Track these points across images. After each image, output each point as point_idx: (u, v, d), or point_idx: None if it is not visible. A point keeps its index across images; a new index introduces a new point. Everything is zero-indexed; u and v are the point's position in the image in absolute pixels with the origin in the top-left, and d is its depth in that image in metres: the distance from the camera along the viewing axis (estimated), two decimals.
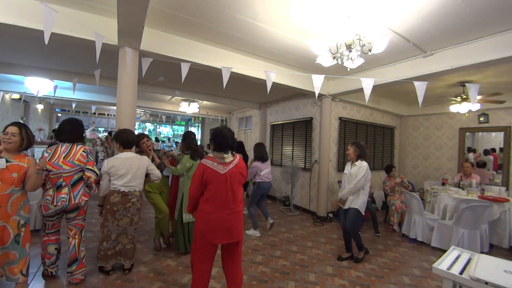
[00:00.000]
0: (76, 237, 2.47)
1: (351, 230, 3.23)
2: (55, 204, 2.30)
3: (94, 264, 2.74)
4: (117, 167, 2.54)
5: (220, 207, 1.97)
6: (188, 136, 3.36)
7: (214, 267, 2.94)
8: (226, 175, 1.98)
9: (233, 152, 2.12)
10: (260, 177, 4.16)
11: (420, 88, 2.98)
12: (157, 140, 12.39)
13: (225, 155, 2.04)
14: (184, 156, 3.21)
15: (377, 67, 4.20)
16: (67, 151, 2.39)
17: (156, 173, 2.82)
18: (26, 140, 2.17)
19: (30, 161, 2.17)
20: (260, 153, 4.25)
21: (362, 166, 3.18)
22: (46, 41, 2.14)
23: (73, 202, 2.36)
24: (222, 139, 2.03)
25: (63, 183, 2.34)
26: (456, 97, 4.78)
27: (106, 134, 9.79)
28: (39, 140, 7.28)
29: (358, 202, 3.17)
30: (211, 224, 1.96)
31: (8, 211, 2.02)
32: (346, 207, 3.27)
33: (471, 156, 6.03)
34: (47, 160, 2.29)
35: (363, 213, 3.23)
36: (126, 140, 2.69)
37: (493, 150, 5.80)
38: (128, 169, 2.58)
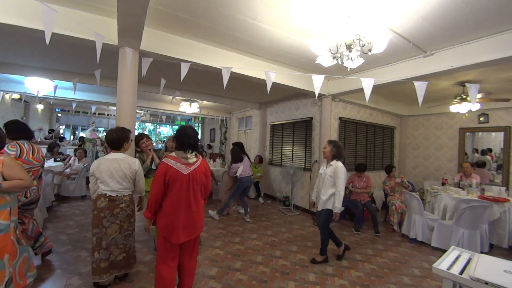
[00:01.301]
0: (32, 218, 2.76)
1: (322, 228, 3.18)
2: (28, 195, 2.52)
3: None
4: (101, 169, 2.34)
5: (180, 207, 1.97)
6: None
7: (213, 266, 2.97)
8: (188, 175, 1.98)
9: (196, 154, 2.12)
10: (240, 174, 4.88)
11: (420, 88, 2.98)
12: None
13: (188, 155, 2.05)
14: None
15: (377, 67, 4.20)
16: (31, 148, 2.58)
17: (140, 185, 2.52)
18: None
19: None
20: (233, 156, 5.01)
21: (338, 167, 3.07)
22: (48, 41, 2.15)
23: (40, 192, 2.71)
24: (184, 138, 2.03)
25: (32, 177, 2.52)
26: (456, 97, 4.78)
27: (106, 134, 9.77)
28: (39, 139, 7.29)
29: (331, 203, 3.06)
30: (171, 224, 1.96)
31: None
32: (319, 208, 3.17)
33: (476, 156, 5.99)
34: (17, 157, 2.39)
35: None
36: (112, 139, 2.44)
37: (489, 150, 5.79)
38: (113, 172, 2.34)
